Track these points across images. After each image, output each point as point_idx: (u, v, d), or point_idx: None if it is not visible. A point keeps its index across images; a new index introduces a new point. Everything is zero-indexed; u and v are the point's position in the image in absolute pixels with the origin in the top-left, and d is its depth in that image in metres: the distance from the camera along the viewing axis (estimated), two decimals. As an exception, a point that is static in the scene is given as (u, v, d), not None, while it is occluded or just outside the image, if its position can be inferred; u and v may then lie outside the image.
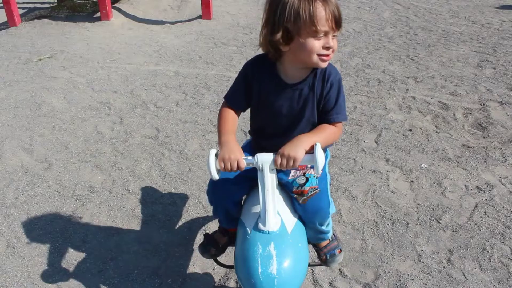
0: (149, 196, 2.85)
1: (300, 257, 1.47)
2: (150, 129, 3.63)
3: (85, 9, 7.17)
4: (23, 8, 7.71)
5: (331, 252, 1.86)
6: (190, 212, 2.69)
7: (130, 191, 2.89)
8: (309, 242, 2.06)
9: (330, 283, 2.15)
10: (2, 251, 2.44)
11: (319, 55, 1.50)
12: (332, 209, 1.77)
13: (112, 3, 7.09)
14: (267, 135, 1.73)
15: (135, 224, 2.62)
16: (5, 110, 3.99)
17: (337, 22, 1.48)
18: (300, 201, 1.64)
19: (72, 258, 2.38)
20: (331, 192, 2.75)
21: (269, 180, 1.49)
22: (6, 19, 6.65)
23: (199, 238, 2.48)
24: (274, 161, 1.46)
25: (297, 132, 1.64)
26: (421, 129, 3.40)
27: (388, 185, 2.79)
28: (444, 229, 2.43)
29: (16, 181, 3.01)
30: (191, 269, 2.29)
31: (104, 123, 3.73)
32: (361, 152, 3.15)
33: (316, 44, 1.50)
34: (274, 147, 1.55)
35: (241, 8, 7.53)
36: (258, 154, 1.48)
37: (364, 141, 3.28)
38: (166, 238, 2.51)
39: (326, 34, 1.48)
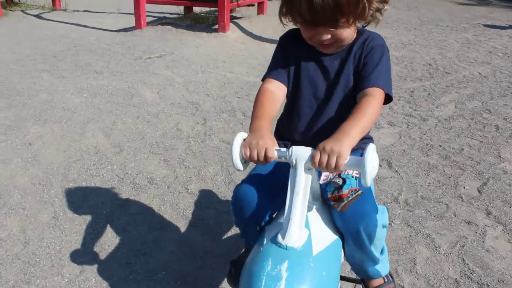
0: (206, 200, 2.64)
1: (319, 289, 1.10)
2: (230, 135, 3.45)
3: (206, 21, 7.41)
4: (153, 17, 8.22)
5: (383, 296, 1.45)
6: (242, 224, 2.40)
7: (189, 190, 2.70)
8: (357, 282, 1.66)
9: None
10: (46, 221, 2.38)
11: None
12: (383, 219, 1.35)
13: (232, 18, 7.25)
14: (298, 116, 1.45)
15: (182, 224, 2.41)
16: (101, 95, 4.10)
17: (318, 15, 1.20)
18: (339, 209, 1.27)
19: (107, 243, 2.23)
20: (410, 236, 2.30)
21: (302, 182, 1.16)
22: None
23: (244, 254, 2.18)
24: (312, 157, 1.13)
25: (332, 104, 1.39)
26: (541, 187, 2.77)
27: (483, 242, 2.25)
28: (550, 311, 1.85)
29: (84, 159, 2.99)
30: (223, 285, 2.00)
31: (186, 122, 3.64)
32: (458, 199, 2.63)
33: (305, 32, 1.30)
34: (303, 133, 1.39)
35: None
36: (294, 147, 1.17)
37: (464, 187, 2.75)
38: (208, 245, 2.25)
39: (313, 24, 1.25)
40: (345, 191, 1.28)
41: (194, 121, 3.66)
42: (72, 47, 5.99)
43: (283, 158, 1.18)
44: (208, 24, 7.18)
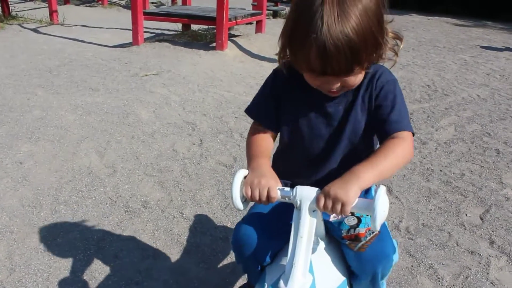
0: (202, 225, 2.55)
1: None
2: (227, 157, 3.37)
3: (204, 38, 7.39)
4: (151, 33, 8.20)
5: None
6: (239, 252, 2.31)
7: (184, 215, 2.62)
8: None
9: None
10: (34, 246, 2.28)
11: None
12: (396, 256, 1.30)
13: (230, 36, 7.23)
14: (298, 164, 1.34)
15: (176, 251, 2.32)
16: (95, 113, 4.03)
17: (331, 65, 1.03)
18: (355, 249, 1.20)
19: (97, 271, 2.13)
20: (412, 266, 2.23)
21: (307, 225, 1.08)
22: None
23: (240, 283, 2.09)
24: (317, 200, 1.06)
25: (337, 152, 1.26)
26: (544, 215, 2.71)
27: (487, 273, 2.18)
28: None
29: (76, 180, 2.90)
30: (219, 318, 1.91)
31: (182, 142, 3.57)
32: (460, 227, 2.56)
33: (312, 80, 1.13)
34: (304, 178, 1.24)
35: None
36: (298, 187, 1.10)
37: (466, 215, 2.68)
38: (203, 274, 2.16)
39: (323, 74, 1.08)
40: (362, 230, 1.20)
41: (190, 142, 3.59)
42: (68, 62, 5.93)
43: (286, 198, 1.11)
44: (206, 42, 7.15)
